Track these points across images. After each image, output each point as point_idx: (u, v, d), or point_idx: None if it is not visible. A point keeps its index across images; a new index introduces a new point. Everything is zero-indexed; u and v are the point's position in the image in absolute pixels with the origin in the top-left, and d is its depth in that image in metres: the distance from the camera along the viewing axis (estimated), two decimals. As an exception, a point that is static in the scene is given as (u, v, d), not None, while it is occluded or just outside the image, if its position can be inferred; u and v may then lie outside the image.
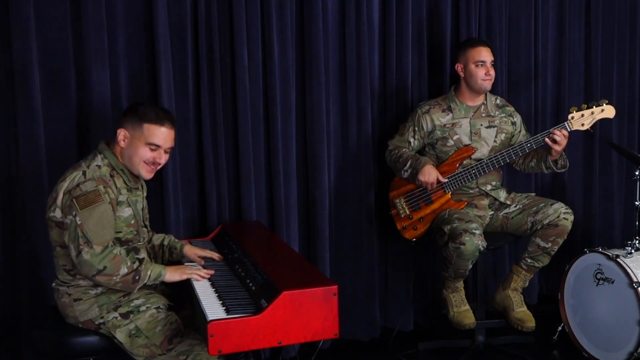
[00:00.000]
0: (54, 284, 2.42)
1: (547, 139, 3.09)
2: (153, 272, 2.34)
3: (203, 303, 2.18)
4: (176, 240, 2.71)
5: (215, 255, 2.68)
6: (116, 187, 2.35)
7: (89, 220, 2.22)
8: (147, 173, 2.41)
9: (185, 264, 2.62)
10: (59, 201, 2.28)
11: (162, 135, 2.38)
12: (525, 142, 3.15)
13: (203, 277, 2.43)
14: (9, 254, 2.81)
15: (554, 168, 3.23)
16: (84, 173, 2.30)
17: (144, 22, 2.97)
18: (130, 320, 2.32)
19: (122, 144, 2.38)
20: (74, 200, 2.24)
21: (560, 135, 3.07)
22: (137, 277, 2.28)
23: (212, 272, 2.48)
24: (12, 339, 2.82)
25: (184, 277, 2.41)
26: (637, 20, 4.20)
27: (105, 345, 2.35)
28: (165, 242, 2.68)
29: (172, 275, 2.40)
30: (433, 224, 3.27)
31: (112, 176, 2.36)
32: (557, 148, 3.09)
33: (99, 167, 2.34)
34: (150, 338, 2.30)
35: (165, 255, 2.68)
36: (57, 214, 2.29)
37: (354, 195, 3.51)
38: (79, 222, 2.22)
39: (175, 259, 2.68)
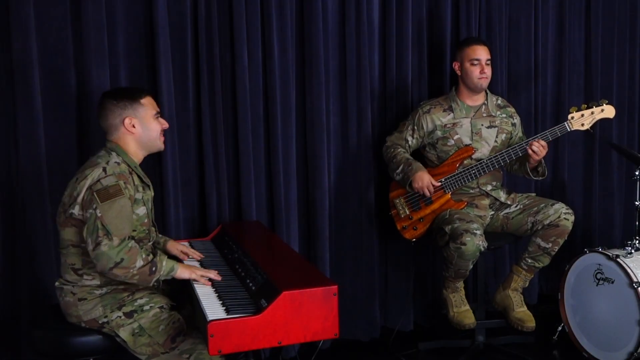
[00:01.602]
0: (57, 283, 2.41)
1: (527, 148, 3.10)
2: (167, 265, 2.34)
3: (203, 303, 2.18)
4: (160, 235, 2.71)
5: (196, 255, 2.68)
6: (134, 184, 2.36)
7: (109, 212, 2.23)
8: (163, 143, 2.51)
9: (186, 263, 2.62)
10: (79, 198, 2.28)
11: (154, 102, 2.49)
12: (524, 142, 3.15)
13: (212, 280, 2.39)
14: (9, 254, 2.80)
15: (531, 175, 3.23)
16: (104, 169, 2.30)
17: (144, 22, 2.97)
18: (134, 320, 2.32)
19: (133, 130, 2.39)
20: (94, 193, 2.24)
21: (537, 146, 3.08)
22: (153, 269, 2.28)
23: (219, 278, 2.42)
24: (12, 339, 2.82)
25: (193, 276, 2.39)
26: (637, 20, 4.20)
27: (105, 345, 2.35)
28: None
29: (183, 272, 2.39)
30: (433, 224, 3.26)
31: (130, 173, 2.37)
32: (535, 157, 3.11)
33: (118, 164, 2.35)
34: (154, 337, 2.30)
35: None
36: (77, 210, 2.28)
37: (354, 195, 3.51)
38: (99, 215, 2.22)
39: None
